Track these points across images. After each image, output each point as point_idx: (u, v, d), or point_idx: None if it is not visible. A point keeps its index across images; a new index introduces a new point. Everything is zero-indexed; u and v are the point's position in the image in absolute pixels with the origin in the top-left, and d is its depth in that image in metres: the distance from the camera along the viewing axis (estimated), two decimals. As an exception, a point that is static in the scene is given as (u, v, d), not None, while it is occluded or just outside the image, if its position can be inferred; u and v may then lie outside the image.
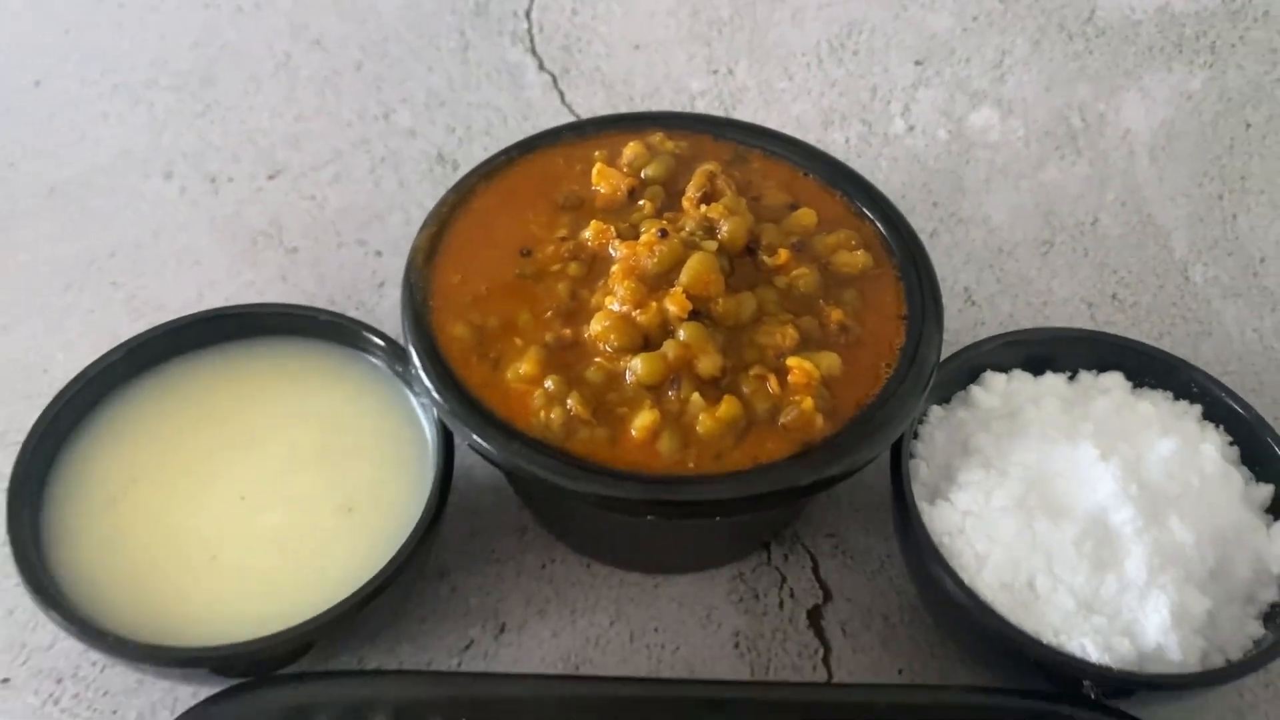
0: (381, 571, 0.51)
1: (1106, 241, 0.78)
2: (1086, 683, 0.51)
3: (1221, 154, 0.79)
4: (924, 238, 0.64)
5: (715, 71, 0.84)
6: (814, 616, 0.62)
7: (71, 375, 0.58)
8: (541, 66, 0.85)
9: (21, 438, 0.66)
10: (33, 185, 0.81)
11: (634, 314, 0.55)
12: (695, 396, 0.53)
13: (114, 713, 0.56)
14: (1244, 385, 0.70)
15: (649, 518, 0.51)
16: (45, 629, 0.59)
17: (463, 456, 0.57)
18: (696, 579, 0.63)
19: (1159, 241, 0.78)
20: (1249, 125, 0.79)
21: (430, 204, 0.62)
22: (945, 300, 0.61)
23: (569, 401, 0.52)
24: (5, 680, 0.57)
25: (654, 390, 0.53)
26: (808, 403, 0.53)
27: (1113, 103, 0.80)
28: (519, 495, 0.64)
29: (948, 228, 0.79)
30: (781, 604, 0.62)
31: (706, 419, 0.52)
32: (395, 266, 0.76)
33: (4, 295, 0.74)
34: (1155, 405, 0.60)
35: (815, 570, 0.64)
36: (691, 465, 0.51)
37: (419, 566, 0.55)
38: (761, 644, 0.61)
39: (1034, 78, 0.81)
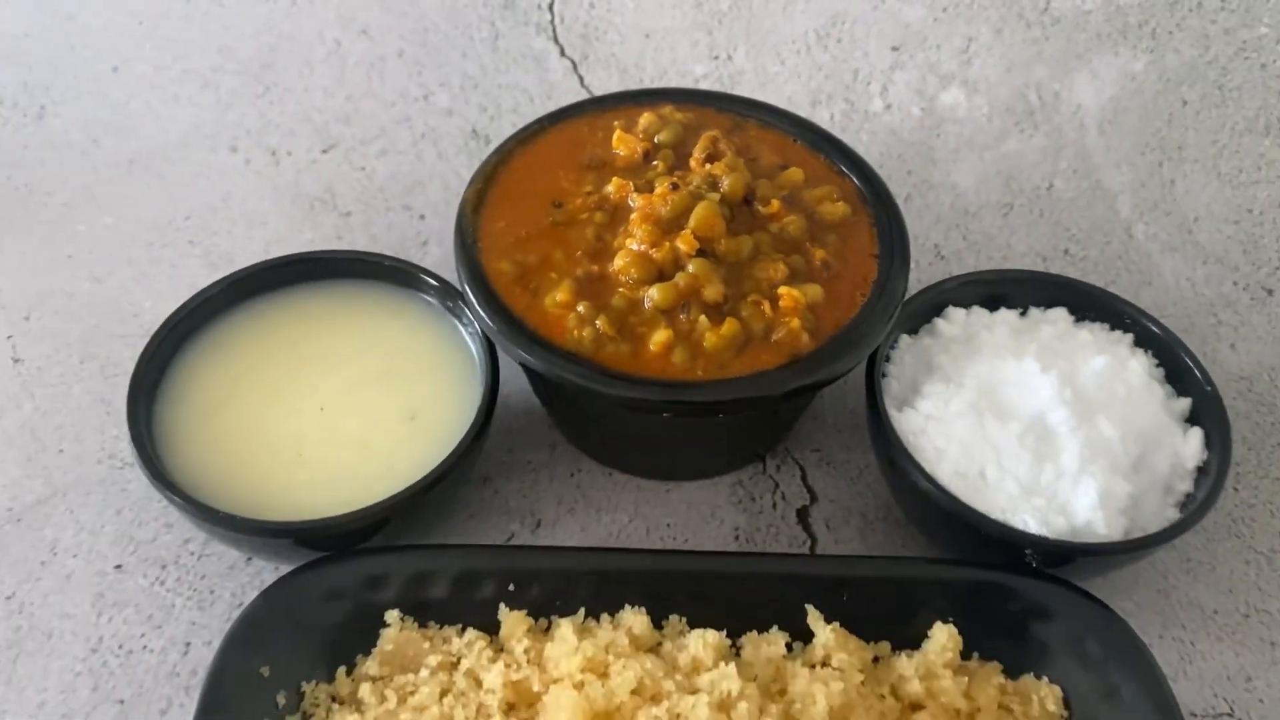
0: (442, 464, 0.61)
1: (1060, 204, 0.88)
2: (1028, 551, 0.60)
3: (1161, 127, 0.89)
4: (899, 201, 0.74)
5: (716, 57, 0.94)
6: (802, 515, 0.72)
7: (159, 319, 0.67)
8: (563, 53, 0.95)
9: (119, 370, 0.77)
10: (114, 158, 0.90)
11: (651, 252, 0.64)
12: (702, 318, 0.63)
13: (211, 591, 0.66)
14: (1178, 326, 0.79)
15: (665, 415, 0.61)
16: (149, 526, 0.69)
17: (501, 385, 0.66)
18: (703, 485, 0.73)
19: (1106, 203, 0.88)
20: (1185, 102, 0.89)
21: (466, 174, 0.71)
22: (917, 255, 0.71)
23: (597, 322, 0.62)
24: (118, 566, 0.67)
25: (668, 313, 0.63)
26: (795, 323, 0.63)
27: (1066, 82, 0.90)
28: (550, 414, 0.74)
29: (920, 193, 0.89)
30: (774, 505, 0.72)
31: (712, 336, 0.62)
32: (437, 227, 0.87)
33: (96, 252, 0.84)
34: (1093, 333, 0.70)
35: (804, 478, 0.73)
36: (700, 373, 0.61)
37: (471, 463, 0.65)
38: (758, 537, 0.70)
39: (996, 61, 0.91)
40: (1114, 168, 0.88)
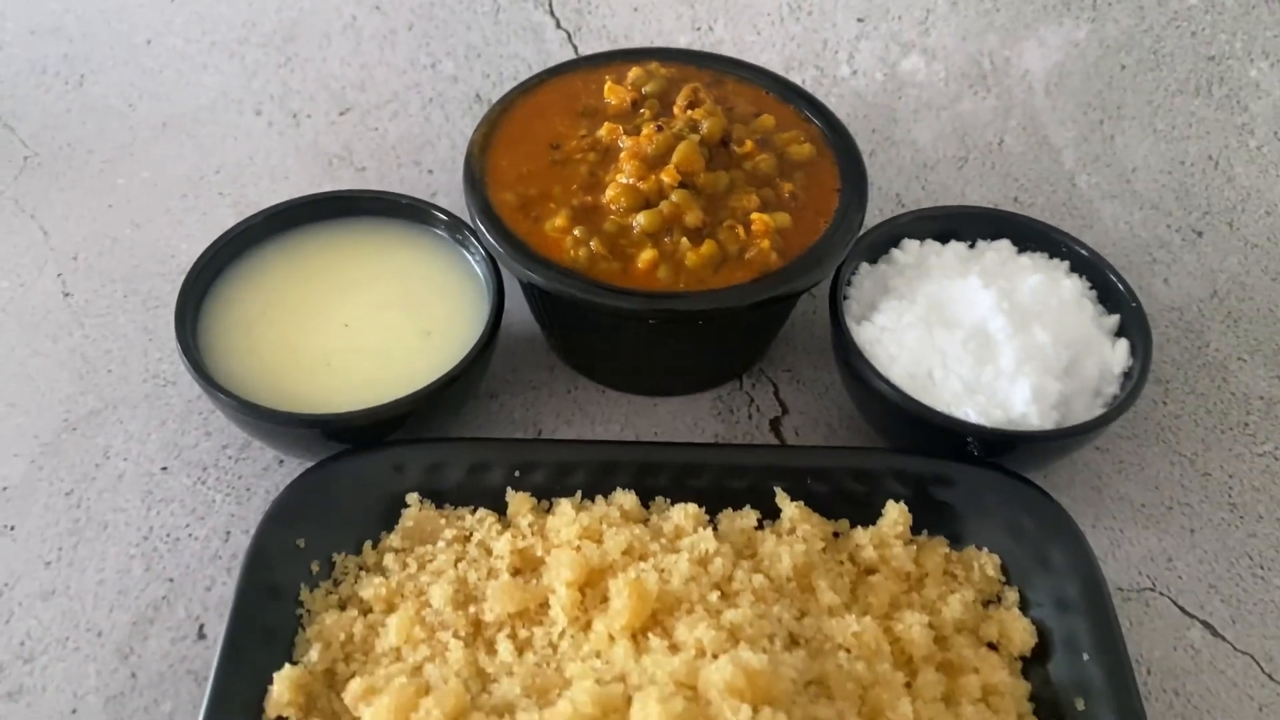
0: (455, 367, 0.68)
1: (1010, 158, 0.96)
2: (970, 440, 0.68)
3: (1102, 89, 0.97)
4: (864, 156, 0.82)
5: (698, 28, 1.02)
6: (775, 424, 0.79)
7: (194, 259, 0.73)
8: (558, 25, 1.03)
9: (159, 303, 0.84)
10: (150, 120, 0.98)
11: (638, 184, 0.72)
12: (684, 241, 0.70)
13: (247, 489, 0.73)
14: (1116, 263, 0.87)
15: (650, 322, 0.69)
16: (191, 434, 0.76)
17: (505, 316, 0.73)
18: (686, 400, 0.80)
19: (1051, 157, 0.96)
20: (1123, 66, 0.97)
21: (471, 134, 0.79)
22: (880, 203, 0.78)
23: (591, 244, 0.70)
24: (164, 469, 0.74)
25: (654, 236, 0.70)
26: (765, 244, 0.70)
27: (1015, 49, 0.97)
28: (549, 339, 0.82)
29: (883, 148, 0.97)
30: (750, 416, 0.80)
31: (692, 255, 0.70)
32: (444, 180, 0.94)
33: (137, 202, 0.91)
34: (1032, 260, 0.78)
35: (776, 393, 0.81)
36: (681, 286, 0.69)
37: (480, 370, 0.72)
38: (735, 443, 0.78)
39: (952, 30, 0.98)
40: (1059, 125, 0.96)
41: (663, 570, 0.60)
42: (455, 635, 0.59)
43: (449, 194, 0.92)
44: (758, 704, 0.49)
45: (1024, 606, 0.64)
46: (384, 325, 0.73)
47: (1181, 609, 0.70)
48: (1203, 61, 0.96)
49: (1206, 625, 0.69)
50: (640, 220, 0.70)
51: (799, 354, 0.83)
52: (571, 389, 0.80)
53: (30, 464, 0.73)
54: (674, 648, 0.55)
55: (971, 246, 0.80)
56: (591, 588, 0.61)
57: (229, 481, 0.74)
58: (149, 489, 0.73)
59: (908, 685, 0.58)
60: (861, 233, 0.76)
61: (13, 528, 0.70)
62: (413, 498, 0.66)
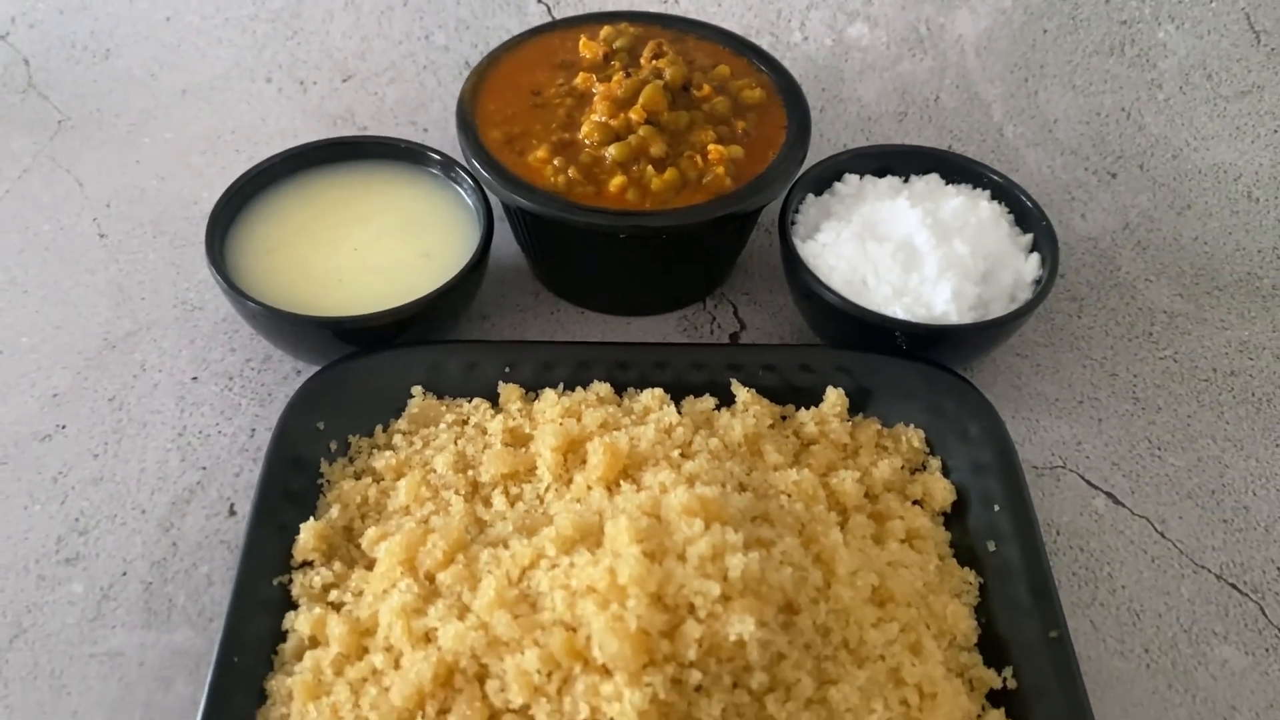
0: (452, 280, 0.78)
1: (945, 112, 1.07)
2: (898, 334, 0.78)
3: (1026, 51, 1.07)
4: (815, 114, 0.92)
5: (665, 1, 1.12)
6: (734, 339, 0.89)
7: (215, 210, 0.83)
8: (539, 1, 1.13)
9: (185, 242, 0.94)
10: (170, 89, 1.08)
11: (610, 122, 0.82)
12: (649, 169, 0.80)
13: (269, 394, 0.83)
14: (1040, 201, 0.97)
15: (621, 236, 0.79)
16: (218, 350, 0.85)
17: (494, 249, 0.83)
18: (655, 319, 0.90)
19: (982, 111, 1.06)
20: (1045, 30, 1.07)
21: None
22: (828, 153, 0.88)
23: (569, 172, 0.79)
24: (195, 378, 0.83)
25: (623, 165, 0.80)
26: (721, 171, 0.80)
27: (949, 17, 1.08)
28: (533, 267, 0.91)
29: (831, 105, 1.07)
30: (712, 332, 0.89)
31: (657, 181, 0.79)
32: (437, 138, 1.04)
33: (161, 158, 1.01)
34: (957, 188, 0.88)
35: (736, 313, 0.91)
36: (647, 206, 0.79)
37: (474, 284, 0.81)
38: (699, 353, 0.88)
39: (893, 1, 1.09)
40: (988, 83, 1.07)
41: (633, 437, 0.70)
42: (456, 493, 0.69)
43: (442, 148, 1.01)
44: (709, 521, 0.59)
45: (945, 472, 0.74)
46: (388, 249, 0.83)
47: (1088, 482, 0.80)
48: (1116, 25, 1.07)
49: (1109, 495, 0.79)
50: (611, 151, 0.80)
51: (756, 280, 0.93)
52: (554, 311, 0.90)
53: (76, 375, 0.83)
54: (641, 490, 0.65)
55: (905, 181, 0.90)
56: (572, 453, 0.70)
57: (252, 388, 0.83)
58: (182, 395, 0.82)
59: (841, 526, 0.68)
60: (807, 168, 0.86)
61: (64, 426, 0.79)
62: (417, 390, 0.76)
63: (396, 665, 0.59)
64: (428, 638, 0.59)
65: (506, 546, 0.63)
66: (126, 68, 1.09)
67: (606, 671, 0.54)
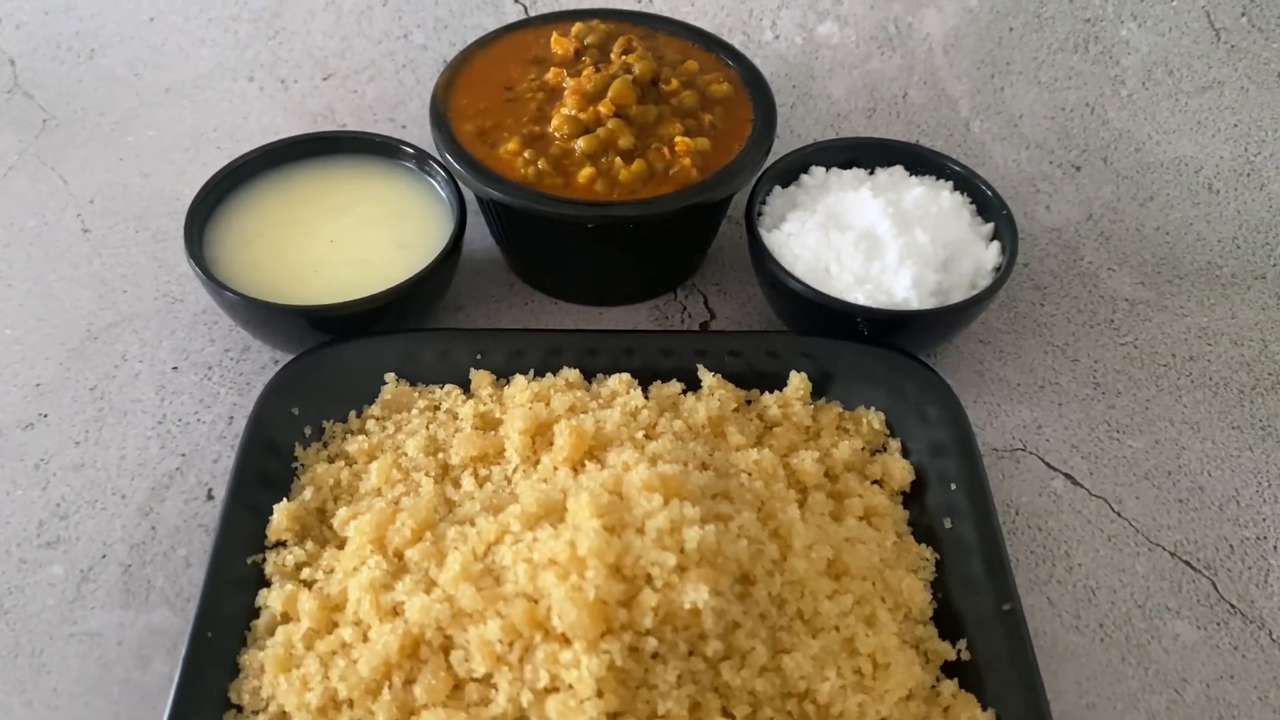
0: (425, 269, 0.80)
1: (913, 108, 1.09)
2: (859, 320, 0.80)
3: (993, 48, 1.09)
4: (786, 110, 0.94)
5: (640, 1, 1.14)
6: (704, 327, 0.91)
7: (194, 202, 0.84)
8: (516, 0, 1.15)
9: (166, 237, 0.95)
10: (154, 87, 1.09)
11: (579, 115, 0.84)
12: (618, 160, 0.82)
13: (247, 384, 0.84)
14: (1005, 194, 0.98)
15: (589, 226, 0.81)
16: (197, 340, 0.87)
17: (468, 244, 0.85)
18: (627, 309, 0.92)
19: (949, 107, 1.08)
20: (1011, 29, 1.09)
21: None
22: (798, 148, 0.90)
23: (539, 163, 0.81)
24: (175, 368, 0.85)
25: (592, 157, 0.82)
26: (687, 162, 0.82)
27: (917, 16, 1.10)
28: (507, 258, 0.93)
29: (802, 102, 1.09)
30: (683, 321, 0.91)
31: (625, 172, 0.81)
32: (415, 134, 1.06)
33: (145, 156, 1.02)
34: (920, 179, 0.90)
35: (706, 303, 0.93)
36: (616, 196, 0.81)
37: (447, 273, 0.83)
38: (670, 342, 0.90)
39: (862, 0, 1.11)
40: (955, 80, 1.09)
41: (599, 420, 0.71)
42: (426, 475, 0.71)
43: (420, 144, 1.03)
44: (668, 497, 0.61)
45: (905, 453, 0.76)
46: (363, 241, 0.84)
47: (1047, 464, 0.82)
48: (1080, 23, 1.09)
49: (1068, 476, 0.81)
50: (580, 144, 0.82)
51: (727, 271, 0.95)
52: (528, 302, 0.92)
53: (59, 365, 0.84)
54: (605, 469, 0.67)
55: (871, 173, 0.92)
56: (540, 435, 0.72)
57: (231, 378, 0.85)
58: (162, 384, 0.84)
59: (800, 504, 0.70)
60: (774, 161, 0.88)
61: (46, 415, 0.81)
62: (390, 377, 0.77)
63: (365, 638, 0.60)
64: (395, 611, 0.60)
65: (473, 524, 0.64)
66: (111, 67, 1.10)
67: (566, 640, 0.56)
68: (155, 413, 0.82)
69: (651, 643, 0.56)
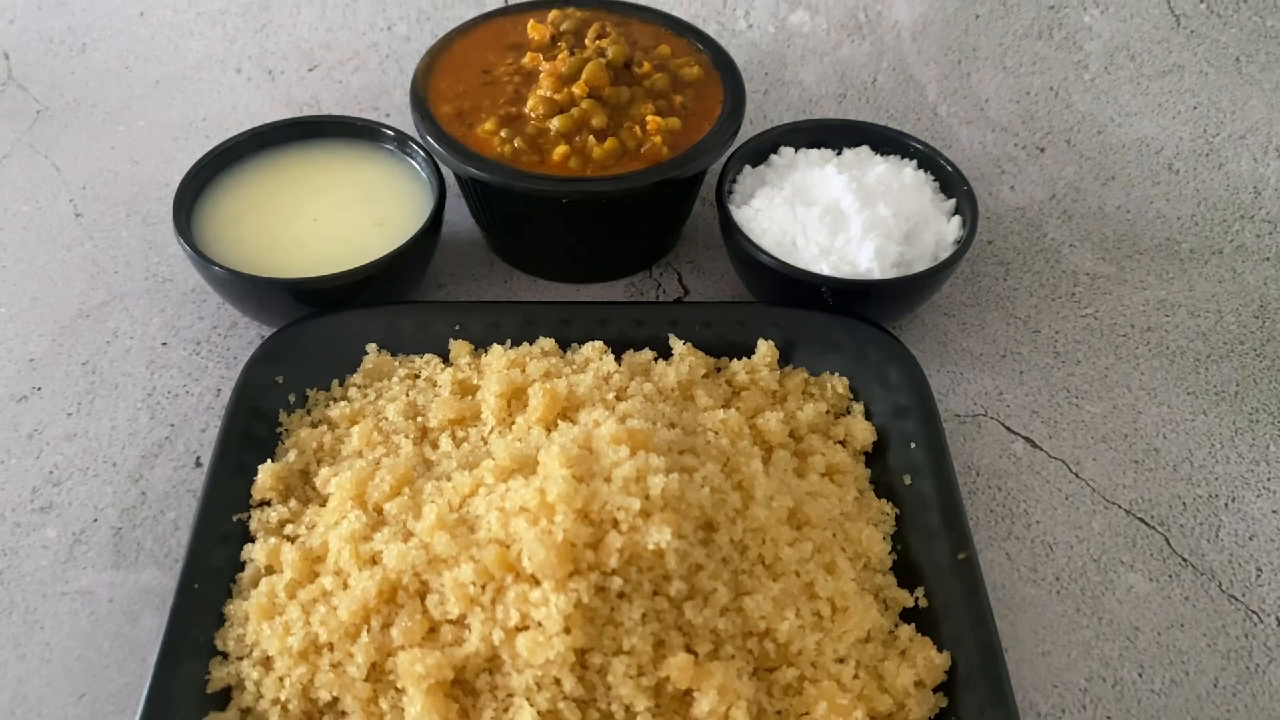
0: (404, 244, 0.82)
1: (883, 93, 1.12)
2: (824, 289, 0.83)
3: (960, 35, 1.13)
4: (759, 96, 0.97)
5: (618, -6, 1.18)
6: (678, 302, 0.94)
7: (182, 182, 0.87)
8: (496, -7, 1.19)
9: (156, 220, 0.98)
10: (144, 79, 1.12)
11: (554, 96, 0.87)
12: (591, 139, 0.85)
13: (235, 358, 0.87)
14: (970, 175, 1.02)
15: (564, 201, 0.84)
16: (186, 318, 0.89)
17: (453, 224, 0.88)
18: (604, 286, 0.95)
19: (917, 91, 1.12)
20: (977, 16, 1.13)
21: None
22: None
23: (515, 142, 0.84)
24: (164, 344, 0.88)
25: (566, 136, 0.85)
26: (658, 140, 0.85)
27: (887, 4, 1.13)
28: (487, 238, 0.96)
29: (775, 88, 1.12)
30: (658, 296, 0.94)
31: (598, 150, 0.84)
32: (398, 122, 1.08)
33: (134, 144, 1.05)
34: (885, 158, 0.94)
35: (680, 279, 0.96)
36: (589, 173, 0.84)
37: (426, 249, 0.86)
38: (644, 316, 0.93)
39: (834, -11, 1.15)
40: (923, 66, 1.12)
41: (572, 383, 0.74)
42: (406, 437, 0.73)
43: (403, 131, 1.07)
44: (635, 449, 0.64)
45: (868, 416, 0.79)
46: (345, 219, 0.87)
47: (1008, 428, 0.85)
48: (1044, 10, 1.12)
49: (1028, 440, 0.84)
50: (555, 123, 0.85)
51: (700, 250, 0.98)
52: (508, 280, 0.95)
53: (52, 342, 0.87)
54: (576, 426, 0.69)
55: (839, 153, 0.95)
56: (515, 399, 0.75)
57: (219, 353, 0.87)
58: (152, 359, 0.86)
59: (765, 462, 0.72)
60: (744, 141, 0.92)
61: (39, 388, 0.84)
62: (371, 347, 0.80)
63: (345, 586, 0.63)
64: (374, 560, 0.63)
65: (450, 479, 0.67)
66: (102, 60, 1.13)
67: (535, 580, 0.58)
68: (145, 385, 0.84)
69: (617, 582, 0.58)
